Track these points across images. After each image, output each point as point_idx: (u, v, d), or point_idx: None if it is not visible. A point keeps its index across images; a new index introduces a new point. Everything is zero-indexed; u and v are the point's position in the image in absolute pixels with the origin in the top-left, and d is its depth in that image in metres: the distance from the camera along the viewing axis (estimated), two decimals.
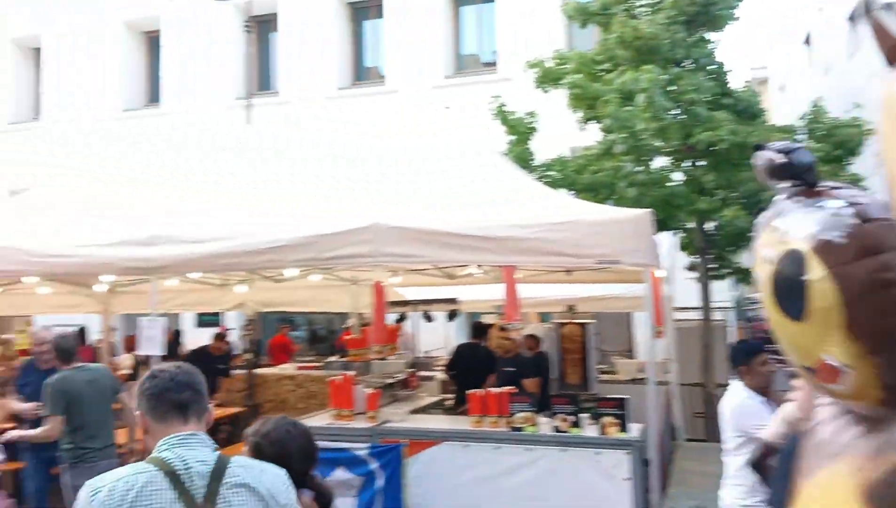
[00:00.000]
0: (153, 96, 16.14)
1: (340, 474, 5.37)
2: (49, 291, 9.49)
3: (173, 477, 1.93)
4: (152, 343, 5.73)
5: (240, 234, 5.62)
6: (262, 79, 15.41)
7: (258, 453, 2.40)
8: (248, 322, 11.92)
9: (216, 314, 13.90)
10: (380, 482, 5.31)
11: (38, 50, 16.89)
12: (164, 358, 6.28)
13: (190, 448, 2.00)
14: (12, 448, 5.85)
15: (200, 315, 14.64)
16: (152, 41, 16.26)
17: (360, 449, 5.39)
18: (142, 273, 5.95)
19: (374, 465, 5.34)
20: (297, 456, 2.47)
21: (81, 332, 11.08)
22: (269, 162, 7.33)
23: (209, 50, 15.20)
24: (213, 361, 9.02)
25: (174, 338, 11.38)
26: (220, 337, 9.27)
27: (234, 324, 13.68)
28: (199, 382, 2.17)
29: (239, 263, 5.76)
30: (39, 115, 16.66)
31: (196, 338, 12.39)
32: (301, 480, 2.46)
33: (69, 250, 5.89)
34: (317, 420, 5.94)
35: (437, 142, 7.57)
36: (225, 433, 7.71)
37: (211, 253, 5.58)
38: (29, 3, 16.50)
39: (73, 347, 5.41)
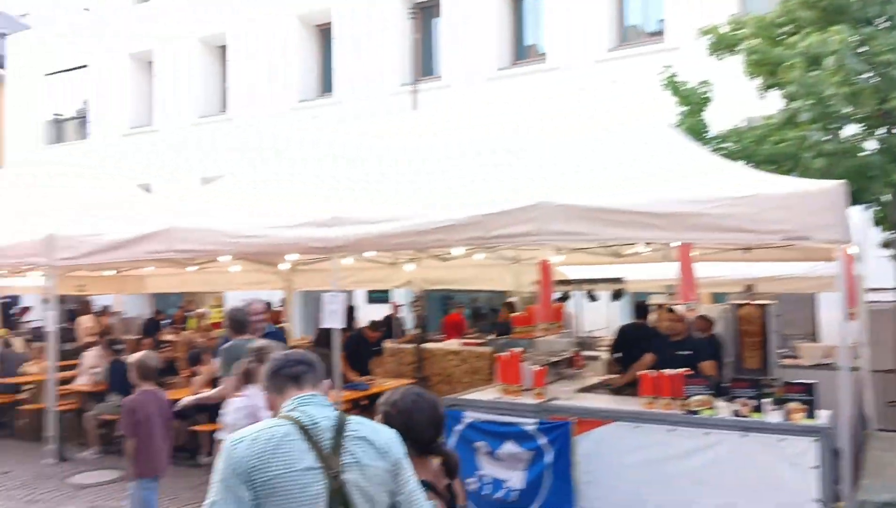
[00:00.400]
0: (326, 87, 17.00)
1: (509, 447, 5.47)
2: (239, 269, 10.34)
3: (304, 431, 2.19)
4: (334, 317, 6.11)
5: (411, 214, 5.85)
6: (425, 64, 15.77)
7: (387, 421, 2.55)
8: (415, 299, 12.38)
9: (385, 292, 14.53)
10: (548, 457, 5.35)
11: (223, 48, 18.30)
12: (344, 331, 6.70)
13: (314, 407, 2.28)
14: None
15: (371, 292, 15.36)
16: (324, 33, 17.12)
17: (529, 424, 5.45)
18: (323, 252, 6.36)
19: (542, 440, 5.38)
20: (424, 424, 2.58)
21: (267, 307, 11.97)
22: (434, 145, 7.52)
23: (376, 39, 15.77)
24: (367, 345, 9.46)
25: (349, 313, 12.02)
26: (374, 326, 9.70)
27: (399, 301, 14.23)
28: (310, 358, 2.46)
29: (410, 242, 6.00)
30: (226, 108, 18.10)
31: (367, 314, 13.03)
32: (428, 447, 2.59)
33: (259, 231, 6.40)
34: (485, 394, 6.08)
35: (603, 117, 7.39)
36: None
37: (385, 233, 5.86)
38: (214, 3, 17.90)
39: (244, 319, 6.03)
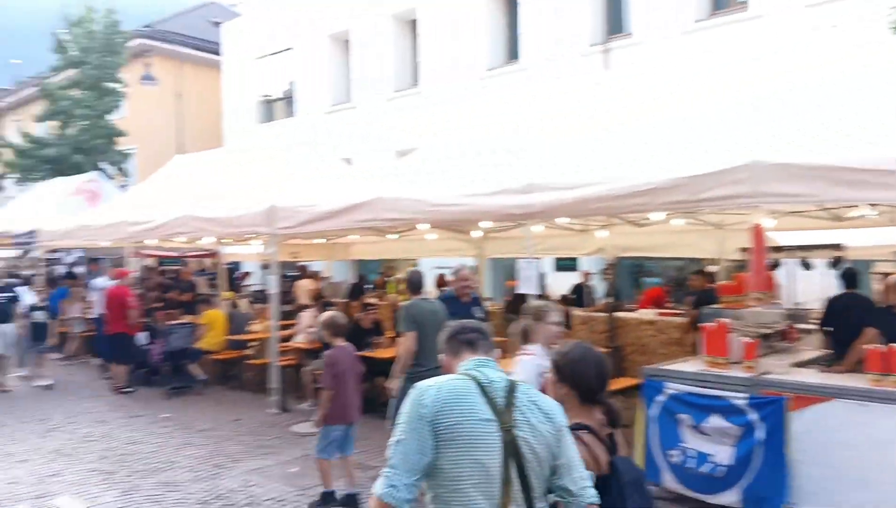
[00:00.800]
0: (513, 54, 16.99)
1: (716, 421, 5.24)
2: (434, 237, 10.72)
3: (481, 387, 2.39)
4: (529, 283, 6.17)
5: (608, 179, 5.70)
6: (615, 22, 15.22)
7: (557, 370, 2.85)
8: (607, 267, 12.14)
9: (573, 260, 14.40)
10: (759, 433, 5.06)
11: (413, 22, 18.84)
12: (540, 297, 6.75)
13: (489, 369, 2.50)
14: None
15: (558, 260, 15.30)
16: (510, 1, 17.06)
17: (738, 399, 5.19)
18: (518, 219, 6.41)
19: (753, 416, 5.10)
20: (591, 375, 2.80)
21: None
22: (628, 106, 7.27)
23: (564, 0, 15.44)
24: None
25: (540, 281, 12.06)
26: (564, 300, 9.66)
27: (590, 268, 14.02)
28: (484, 328, 2.72)
29: (608, 207, 5.85)
30: (417, 82, 18.68)
31: (555, 282, 13.02)
32: (594, 397, 2.80)
33: (457, 200, 6.57)
34: (688, 366, 5.85)
35: (819, 67, 6.71)
36: None
37: (582, 198, 5.77)
38: None
39: (420, 281, 6.52)
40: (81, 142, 22.18)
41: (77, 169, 20.95)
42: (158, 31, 26.07)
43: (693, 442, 5.40)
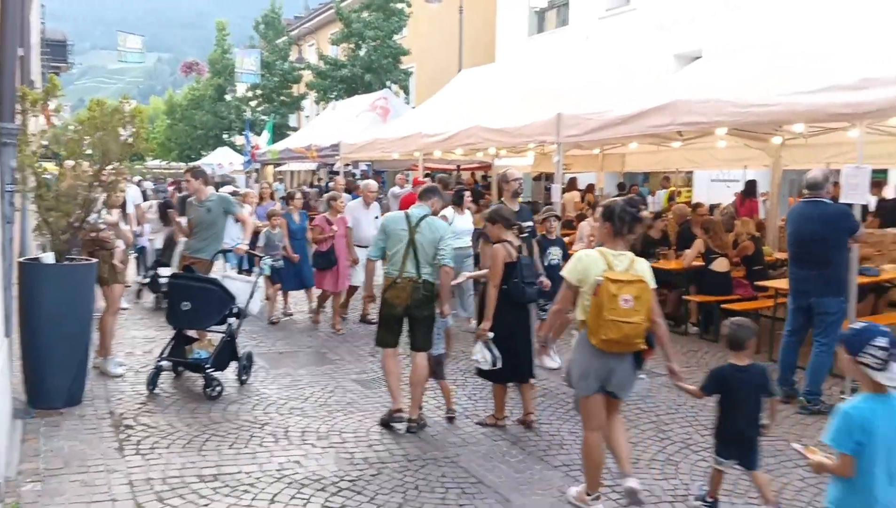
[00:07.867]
0: None
1: None
2: (723, 145, 9.98)
3: (406, 216, 5.23)
4: (856, 192, 5.49)
5: None
6: None
7: (487, 215, 5.45)
8: None
9: (884, 171, 12.65)
10: None
11: None
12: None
13: (418, 209, 5.28)
14: None
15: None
16: None
17: None
18: (846, 119, 5.69)
19: None
20: (507, 215, 5.33)
21: (752, 186, 11.43)
22: None
23: None
24: None
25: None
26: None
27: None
28: (434, 189, 5.61)
29: None
30: None
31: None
32: (511, 226, 5.24)
33: (770, 99, 5.97)
34: None
35: None
36: None
37: None
38: None
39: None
40: (371, 62, 23.90)
41: (367, 88, 22.71)
42: None
43: None
